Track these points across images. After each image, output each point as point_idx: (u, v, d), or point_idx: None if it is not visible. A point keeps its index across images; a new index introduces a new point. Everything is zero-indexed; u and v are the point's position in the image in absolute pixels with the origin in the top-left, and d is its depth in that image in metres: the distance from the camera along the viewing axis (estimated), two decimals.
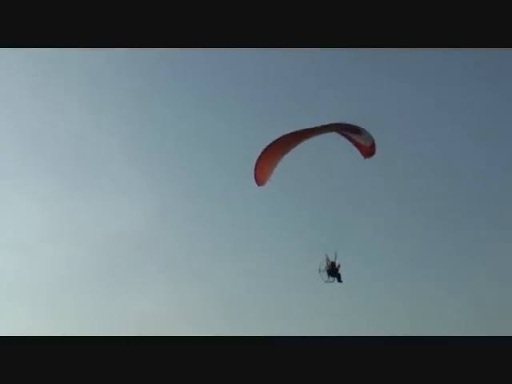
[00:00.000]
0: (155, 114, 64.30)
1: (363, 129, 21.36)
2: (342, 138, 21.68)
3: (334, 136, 21.41)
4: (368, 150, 21.73)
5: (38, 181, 62.79)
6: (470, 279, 45.91)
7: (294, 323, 44.41)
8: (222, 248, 56.43)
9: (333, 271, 22.08)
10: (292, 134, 20.92)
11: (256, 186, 22.60)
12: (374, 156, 21.78)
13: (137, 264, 58.26)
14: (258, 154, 21.99)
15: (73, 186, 62.61)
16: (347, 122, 21.21)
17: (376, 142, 21.57)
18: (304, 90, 59.21)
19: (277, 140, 21.48)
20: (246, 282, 52.78)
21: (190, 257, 58.04)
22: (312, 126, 21.16)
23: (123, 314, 53.50)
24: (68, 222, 61.24)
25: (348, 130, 21.36)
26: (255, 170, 22.34)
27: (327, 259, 22.13)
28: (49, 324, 51.21)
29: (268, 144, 21.69)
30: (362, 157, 21.94)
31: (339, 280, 22.22)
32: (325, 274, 22.11)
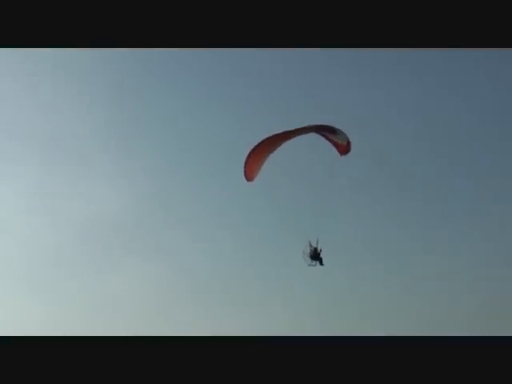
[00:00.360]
0: (132, 104, 66.37)
1: (339, 129, 23.93)
2: (321, 138, 24.31)
3: (313, 136, 24.02)
4: (344, 148, 24.21)
5: (18, 166, 64.78)
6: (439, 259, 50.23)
7: (279, 305, 47.63)
8: (195, 232, 59.48)
9: (315, 256, 24.54)
10: (277, 134, 23.51)
11: (246, 181, 25.20)
12: (349, 153, 24.49)
13: (111, 246, 61.12)
14: (246, 153, 24.49)
15: (51, 172, 65.00)
16: (325, 123, 23.93)
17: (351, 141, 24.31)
18: (287, 90, 61.93)
19: (263, 140, 24.02)
20: (222, 264, 56.02)
21: (164, 240, 60.94)
22: (297, 125, 23.62)
23: (97, 294, 56.32)
24: (46, 206, 63.70)
25: (326, 131, 23.94)
26: (245, 167, 24.78)
27: (310, 245, 24.50)
28: (26, 303, 53.87)
29: (255, 144, 24.22)
30: (339, 154, 24.58)
31: (321, 263, 24.69)
32: (308, 258, 24.66)
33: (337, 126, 23.77)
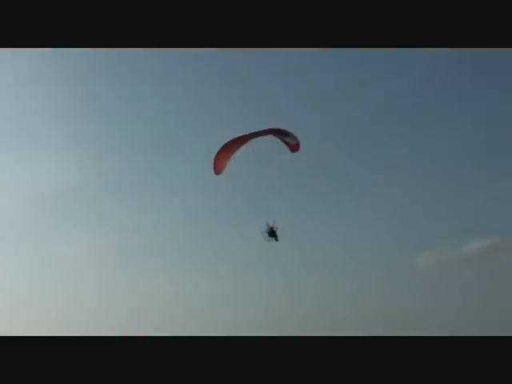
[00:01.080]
0: (81, 82, 70.40)
1: (290, 132, 29.81)
2: (276, 139, 30.09)
3: (270, 137, 29.77)
4: (294, 147, 30.11)
5: None
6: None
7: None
8: (139, 204, 65.72)
9: (271, 233, 30.28)
10: (242, 136, 29.15)
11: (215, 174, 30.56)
12: (298, 151, 30.21)
13: (57, 216, 66.38)
14: (216, 150, 29.98)
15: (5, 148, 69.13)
16: (280, 127, 29.72)
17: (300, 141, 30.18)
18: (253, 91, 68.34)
19: (230, 140, 29.55)
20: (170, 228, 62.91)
21: (112, 209, 66.75)
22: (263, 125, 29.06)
23: (52, 260, 61.80)
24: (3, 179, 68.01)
25: (280, 133, 29.70)
26: (214, 162, 30.17)
27: (267, 225, 30.16)
28: None
29: (223, 143, 29.73)
30: (290, 152, 30.22)
31: (276, 239, 30.35)
32: (266, 235, 30.39)
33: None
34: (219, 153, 29.87)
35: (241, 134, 29.01)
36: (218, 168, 30.21)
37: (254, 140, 29.12)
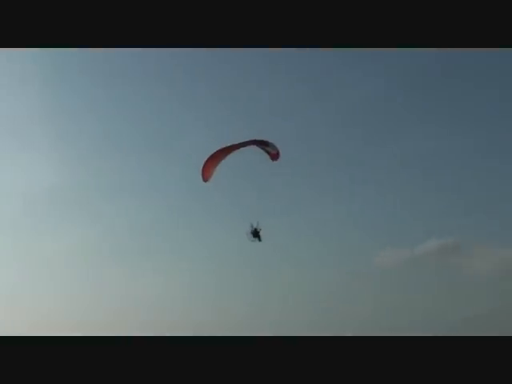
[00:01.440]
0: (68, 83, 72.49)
1: (271, 142, 32.95)
2: (258, 149, 33.19)
3: (253, 147, 32.87)
4: (275, 156, 33.12)
5: None
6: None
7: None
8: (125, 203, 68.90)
9: (255, 234, 33.09)
10: (227, 146, 32.23)
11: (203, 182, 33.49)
12: (279, 160, 33.13)
13: (48, 215, 69.39)
14: (204, 160, 32.99)
15: None
16: (261, 138, 32.88)
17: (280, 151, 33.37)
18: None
19: (217, 150, 32.57)
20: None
21: (103, 208, 69.97)
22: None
23: (44, 258, 64.76)
24: None
25: (261, 144, 32.88)
26: (202, 171, 33.09)
27: (251, 226, 32.99)
28: None
29: (211, 153, 32.73)
30: (271, 160, 33.20)
31: (259, 240, 33.32)
32: (250, 235, 33.19)
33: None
34: (207, 162, 32.88)
35: (227, 145, 32.13)
36: (206, 176, 33.17)
37: (238, 150, 32.20)
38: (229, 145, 32.41)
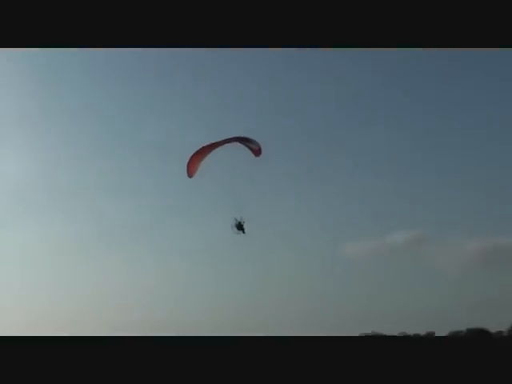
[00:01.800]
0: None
1: (253, 139, 34.22)
2: (241, 146, 34.44)
3: (236, 144, 34.12)
4: (257, 152, 34.53)
5: None
6: None
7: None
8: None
9: (239, 227, 34.72)
10: (211, 143, 33.46)
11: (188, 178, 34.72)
12: (261, 156, 34.59)
13: (16, 207, 72.59)
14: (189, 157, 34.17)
15: None
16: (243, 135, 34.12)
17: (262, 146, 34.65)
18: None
19: (201, 148, 33.81)
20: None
21: (71, 203, 72.63)
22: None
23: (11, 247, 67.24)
24: None
25: (244, 140, 34.17)
26: (187, 167, 34.30)
27: (236, 219, 34.61)
28: None
29: (195, 150, 33.93)
30: (254, 156, 34.56)
31: (243, 232, 34.90)
32: (234, 228, 34.78)
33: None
34: (192, 158, 34.19)
35: (210, 142, 33.36)
36: (190, 172, 34.60)
37: (222, 147, 33.46)
38: (213, 142, 33.61)
